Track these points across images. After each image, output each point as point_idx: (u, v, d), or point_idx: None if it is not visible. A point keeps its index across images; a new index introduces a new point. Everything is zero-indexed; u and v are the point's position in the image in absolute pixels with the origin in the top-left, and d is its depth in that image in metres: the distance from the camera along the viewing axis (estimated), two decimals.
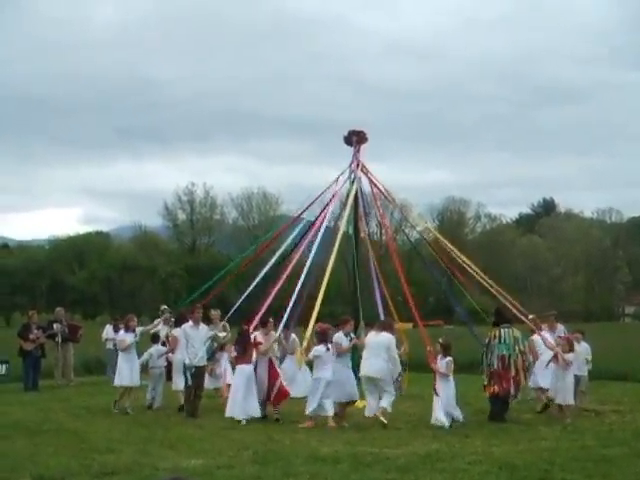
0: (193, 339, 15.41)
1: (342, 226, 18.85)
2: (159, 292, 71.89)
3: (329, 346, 14.14)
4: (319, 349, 14.14)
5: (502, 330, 14.61)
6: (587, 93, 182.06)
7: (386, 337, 14.33)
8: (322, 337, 14.29)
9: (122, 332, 17.04)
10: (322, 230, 18.48)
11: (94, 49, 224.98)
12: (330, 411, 14.00)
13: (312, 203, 18.82)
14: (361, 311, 17.49)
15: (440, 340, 14.62)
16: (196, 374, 15.35)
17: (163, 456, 11.02)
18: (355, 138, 18.36)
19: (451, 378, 14.15)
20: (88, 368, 24.53)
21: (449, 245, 18.68)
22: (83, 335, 22.60)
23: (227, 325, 17.28)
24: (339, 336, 14.35)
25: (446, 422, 13.70)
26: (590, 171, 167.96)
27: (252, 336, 15.04)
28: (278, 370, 15.35)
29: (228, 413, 14.51)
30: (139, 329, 16.89)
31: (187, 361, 15.31)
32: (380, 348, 14.14)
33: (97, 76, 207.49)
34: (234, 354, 15.68)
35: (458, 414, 14.06)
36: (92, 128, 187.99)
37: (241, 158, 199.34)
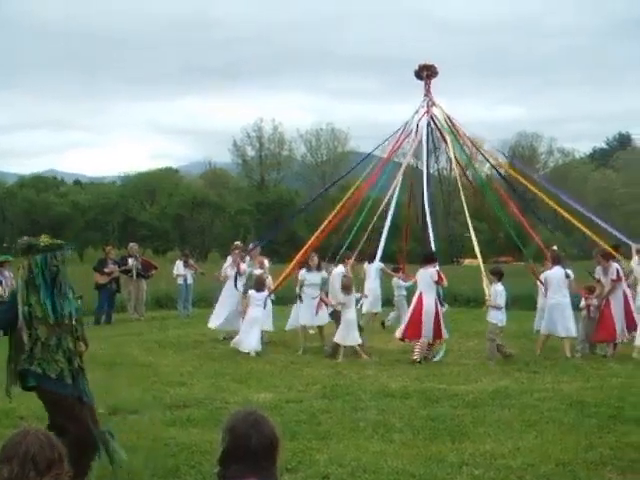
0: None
1: (408, 161, 18.69)
2: (228, 229, 72.50)
3: None
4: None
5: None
6: None
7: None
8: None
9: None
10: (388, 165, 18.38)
11: None
12: None
13: (389, 139, 18.49)
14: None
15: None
16: None
17: (233, 390, 11.20)
18: (426, 72, 18.01)
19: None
20: (159, 303, 24.95)
21: (522, 180, 18.34)
22: (155, 275, 22.92)
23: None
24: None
25: None
26: None
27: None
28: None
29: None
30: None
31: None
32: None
33: (164, 13, 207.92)
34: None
35: None
36: (160, 65, 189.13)
37: (309, 95, 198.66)
